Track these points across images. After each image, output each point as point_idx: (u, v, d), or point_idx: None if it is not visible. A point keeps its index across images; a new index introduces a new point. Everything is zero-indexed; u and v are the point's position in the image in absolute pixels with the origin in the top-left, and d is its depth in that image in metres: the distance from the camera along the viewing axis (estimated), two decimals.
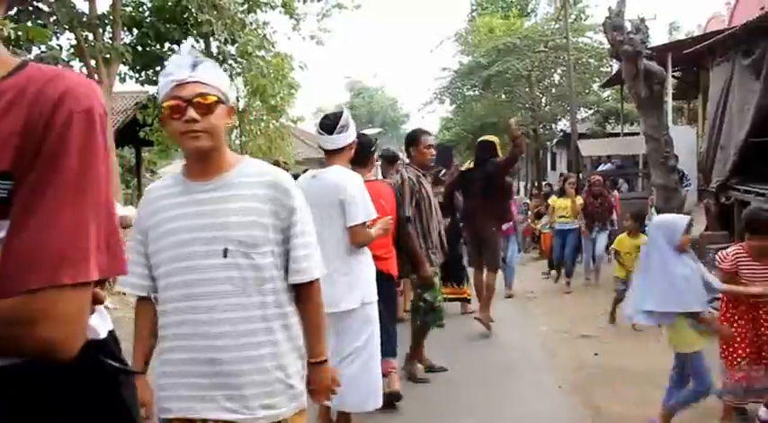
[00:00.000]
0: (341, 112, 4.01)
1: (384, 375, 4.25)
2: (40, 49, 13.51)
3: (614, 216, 10.11)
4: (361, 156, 4.35)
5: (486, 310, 7.03)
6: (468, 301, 8.15)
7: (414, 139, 5.51)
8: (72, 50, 14.81)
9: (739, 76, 9.48)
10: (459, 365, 5.84)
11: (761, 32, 8.99)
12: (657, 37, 36.00)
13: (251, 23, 17.99)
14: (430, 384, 5.35)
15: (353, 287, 3.81)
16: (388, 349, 4.32)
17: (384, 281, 4.25)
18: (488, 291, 7.07)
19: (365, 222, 3.81)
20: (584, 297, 9.24)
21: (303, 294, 2.21)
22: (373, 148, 4.57)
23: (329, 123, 3.93)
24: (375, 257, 4.07)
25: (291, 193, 2.11)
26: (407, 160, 5.82)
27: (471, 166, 7.48)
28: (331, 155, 3.98)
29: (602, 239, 9.79)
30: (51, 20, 13.62)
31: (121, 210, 12.16)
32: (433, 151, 5.61)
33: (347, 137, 3.94)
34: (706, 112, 11.27)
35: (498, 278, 7.58)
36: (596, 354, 6.21)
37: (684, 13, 67.57)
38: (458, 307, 8.16)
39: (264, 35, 18.79)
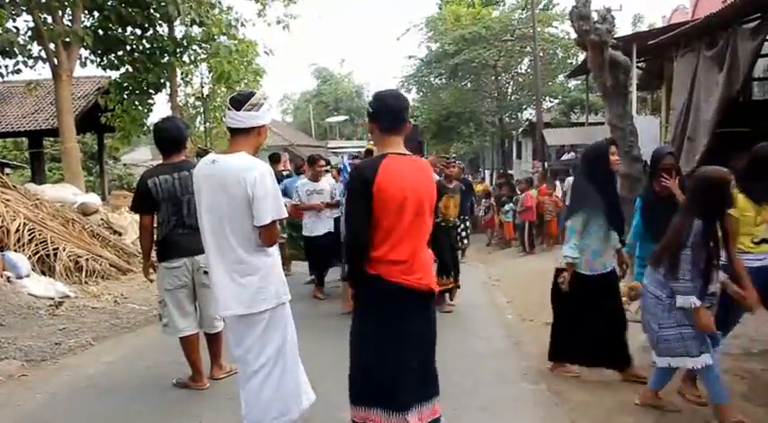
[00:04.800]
0: (259, 91, 3.58)
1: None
2: None
3: None
4: (397, 117, 3.31)
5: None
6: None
7: None
8: (30, 33, 14.43)
9: (704, 67, 9.61)
10: None
11: (723, 25, 9.12)
12: (622, 28, 36.40)
13: (219, 2, 17.72)
14: None
15: (266, 286, 3.50)
16: (433, 390, 3.47)
17: (418, 299, 3.29)
18: None
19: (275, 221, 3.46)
20: (548, 284, 9.30)
21: None
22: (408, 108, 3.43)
23: (239, 99, 3.51)
24: (393, 264, 3.18)
25: None
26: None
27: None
28: (236, 136, 3.53)
29: None
30: (7, 0, 13.19)
31: (83, 197, 11.98)
32: None
33: (255, 118, 3.48)
34: (670, 102, 11.40)
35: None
36: None
37: (648, 5, 68.40)
38: None
39: (230, 20, 18.59)
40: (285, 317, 3.62)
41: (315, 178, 8.34)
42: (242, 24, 18.82)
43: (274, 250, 3.61)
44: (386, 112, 3.29)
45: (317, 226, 8.29)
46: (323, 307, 7.87)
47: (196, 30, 17.45)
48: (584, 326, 4.89)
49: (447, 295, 7.77)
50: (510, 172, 25.16)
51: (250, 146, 3.54)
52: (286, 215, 3.57)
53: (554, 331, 5.18)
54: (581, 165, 5.22)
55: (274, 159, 10.29)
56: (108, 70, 17.39)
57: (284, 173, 10.25)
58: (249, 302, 3.47)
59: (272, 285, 3.53)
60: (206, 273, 4.55)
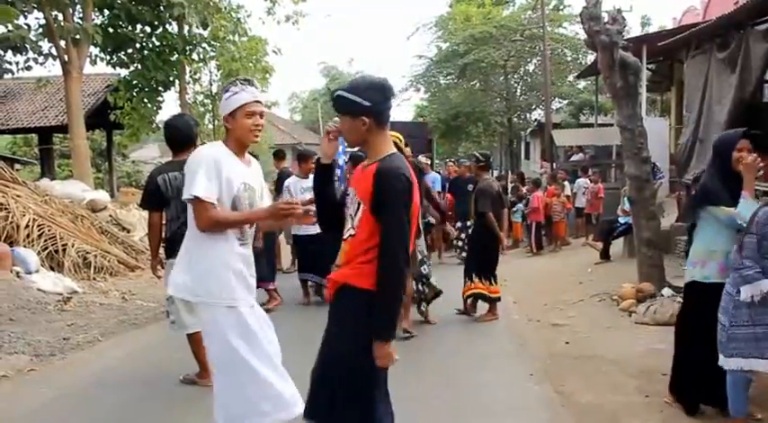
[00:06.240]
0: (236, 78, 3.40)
1: None
2: (6, 28, 13.14)
3: None
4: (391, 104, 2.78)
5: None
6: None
7: None
8: (41, 30, 14.50)
9: (716, 69, 9.54)
10: (428, 354, 5.84)
11: (735, 26, 9.06)
12: (632, 29, 36.22)
13: (225, 8, 17.78)
14: (398, 373, 5.30)
15: (197, 278, 3.22)
16: None
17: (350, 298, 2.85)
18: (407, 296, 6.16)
19: (195, 199, 3.14)
20: (556, 285, 9.30)
21: None
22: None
23: None
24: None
25: None
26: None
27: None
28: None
29: None
30: None
31: (92, 193, 12.03)
32: None
33: (222, 108, 3.33)
34: (684, 104, 11.33)
35: None
36: (567, 342, 6.25)
37: (659, 7, 68.12)
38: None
39: (238, 19, 18.64)
40: (228, 325, 3.15)
41: (305, 175, 8.20)
42: (245, 32, 18.91)
43: (214, 242, 3.26)
44: (387, 101, 2.70)
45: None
46: (324, 309, 7.84)
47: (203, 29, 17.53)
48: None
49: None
50: (520, 171, 25.08)
51: (229, 137, 3.34)
52: (209, 196, 3.16)
53: (680, 367, 4.24)
54: (712, 156, 4.43)
55: (279, 157, 10.37)
56: (117, 68, 17.49)
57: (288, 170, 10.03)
58: (187, 289, 3.30)
59: (203, 280, 3.22)
60: None
